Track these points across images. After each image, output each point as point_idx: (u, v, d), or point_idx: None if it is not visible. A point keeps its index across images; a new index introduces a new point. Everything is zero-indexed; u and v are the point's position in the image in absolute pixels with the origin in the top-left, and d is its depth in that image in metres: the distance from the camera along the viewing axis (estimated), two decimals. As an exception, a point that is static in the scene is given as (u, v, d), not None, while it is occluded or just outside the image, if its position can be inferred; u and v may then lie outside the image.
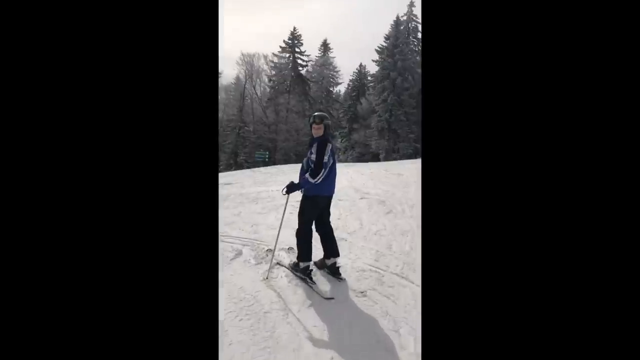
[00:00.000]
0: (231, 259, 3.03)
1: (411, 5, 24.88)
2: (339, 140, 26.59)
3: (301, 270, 2.63)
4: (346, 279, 2.69)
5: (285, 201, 2.86)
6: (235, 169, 19.79)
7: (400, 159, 20.02)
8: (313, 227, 2.71)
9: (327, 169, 2.62)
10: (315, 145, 2.53)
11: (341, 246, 3.32)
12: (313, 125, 2.63)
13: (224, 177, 11.12)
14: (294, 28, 26.89)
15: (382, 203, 5.14)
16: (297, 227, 2.70)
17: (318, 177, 2.50)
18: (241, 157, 24.76)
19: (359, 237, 3.65)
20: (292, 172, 8.90)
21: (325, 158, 2.53)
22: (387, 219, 4.37)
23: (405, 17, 25.01)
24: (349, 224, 4.07)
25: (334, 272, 2.70)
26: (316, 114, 2.68)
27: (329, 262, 2.72)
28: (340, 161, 19.44)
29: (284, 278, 2.68)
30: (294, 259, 2.78)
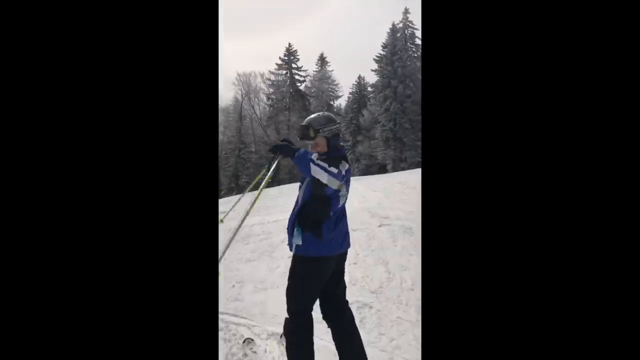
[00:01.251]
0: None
1: (406, 12, 24.36)
2: (344, 154, 25.61)
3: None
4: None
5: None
6: (236, 193, 18.85)
7: (409, 167, 19.11)
8: (316, 309, 1.56)
9: (341, 205, 1.53)
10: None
11: (365, 319, 2.14)
12: (306, 141, 1.58)
13: (221, 205, 10.06)
14: (289, 44, 26.47)
15: (408, 231, 3.97)
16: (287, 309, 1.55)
17: (323, 165, 1.43)
18: (243, 180, 23.84)
19: (391, 297, 2.47)
20: (295, 192, 7.73)
21: (342, 172, 1.49)
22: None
23: (401, 25, 24.43)
24: (371, 274, 2.89)
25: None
26: (312, 118, 1.59)
27: (351, 379, 1.54)
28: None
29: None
30: None
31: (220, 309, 2.46)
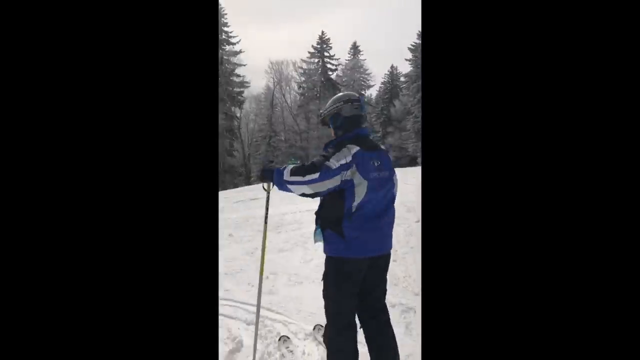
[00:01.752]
0: None
1: (446, -4, 23.12)
2: (373, 145, 25.04)
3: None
4: None
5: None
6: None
7: (443, 162, 18.28)
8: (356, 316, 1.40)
9: (362, 199, 1.28)
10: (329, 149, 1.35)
11: (411, 325, 1.95)
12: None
13: (252, 191, 10.10)
14: (322, 32, 26.08)
15: (449, 229, 3.69)
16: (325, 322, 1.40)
17: (298, 179, 1.25)
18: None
19: (437, 302, 2.26)
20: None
21: (335, 163, 1.23)
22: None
23: (440, 10, 23.29)
24: (414, 273, 2.68)
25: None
26: (330, 98, 1.52)
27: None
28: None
29: None
30: None
31: (254, 301, 2.36)
